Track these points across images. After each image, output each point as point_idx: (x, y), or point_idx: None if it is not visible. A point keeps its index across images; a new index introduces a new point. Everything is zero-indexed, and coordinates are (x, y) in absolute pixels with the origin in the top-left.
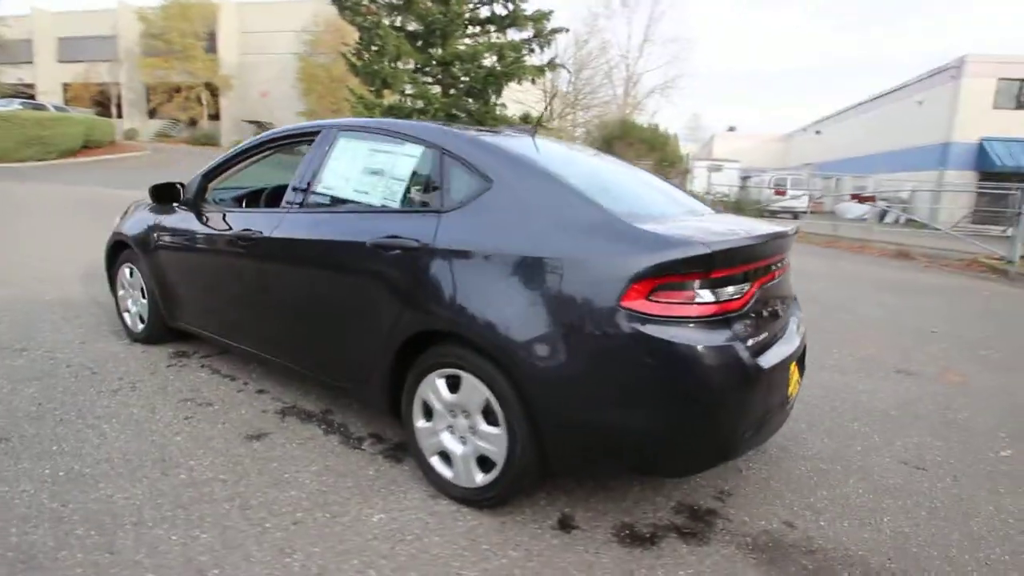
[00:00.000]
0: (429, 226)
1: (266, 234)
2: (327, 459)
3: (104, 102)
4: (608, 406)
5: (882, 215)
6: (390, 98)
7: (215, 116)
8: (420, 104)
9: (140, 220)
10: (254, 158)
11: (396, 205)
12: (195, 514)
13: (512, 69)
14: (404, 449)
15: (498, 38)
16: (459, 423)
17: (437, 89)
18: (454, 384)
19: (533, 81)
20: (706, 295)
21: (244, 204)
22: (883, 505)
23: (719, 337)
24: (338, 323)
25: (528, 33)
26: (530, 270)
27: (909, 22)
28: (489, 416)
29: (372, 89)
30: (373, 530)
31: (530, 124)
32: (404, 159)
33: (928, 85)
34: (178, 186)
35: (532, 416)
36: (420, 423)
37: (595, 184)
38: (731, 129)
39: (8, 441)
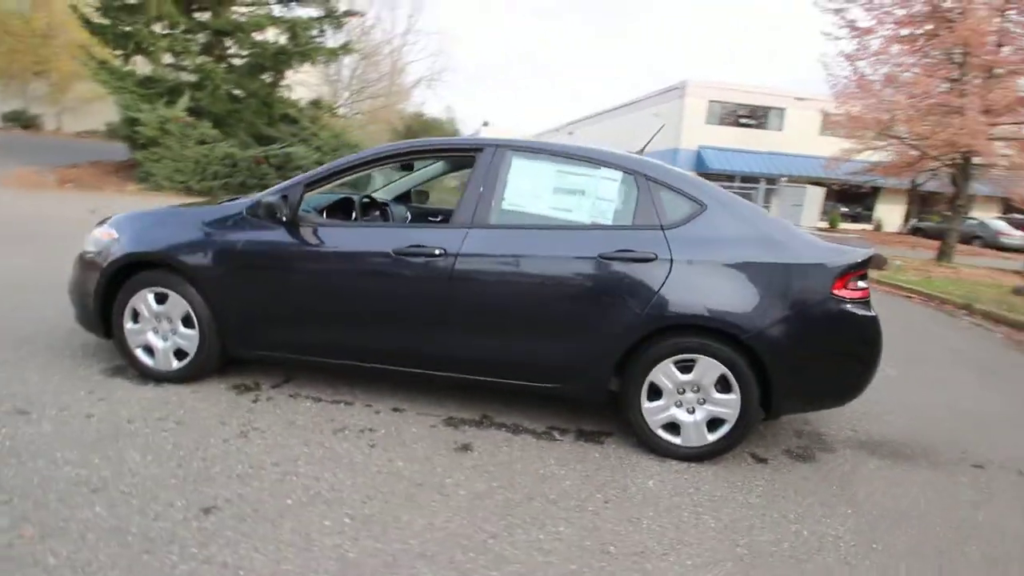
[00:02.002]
0: (658, 240)
1: (453, 250)
2: (551, 454)
3: None
4: (822, 362)
5: None
6: (147, 68)
7: None
8: (194, 78)
9: (191, 234)
10: (369, 169)
11: (608, 222)
12: (524, 517)
13: (306, 49)
14: (591, 433)
15: (282, 13)
16: (687, 397)
17: (218, 63)
18: (685, 367)
19: (327, 63)
20: (863, 284)
21: (325, 216)
22: (880, 410)
23: (871, 310)
24: (557, 329)
25: (315, 11)
26: (760, 273)
27: (648, 39)
28: (720, 386)
29: (119, 54)
30: (660, 493)
31: (321, 109)
32: (605, 182)
33: (661, 100)
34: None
35: (766, 381)
36: (646, 404)
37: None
38: (486, 124)
39: (219, 510)
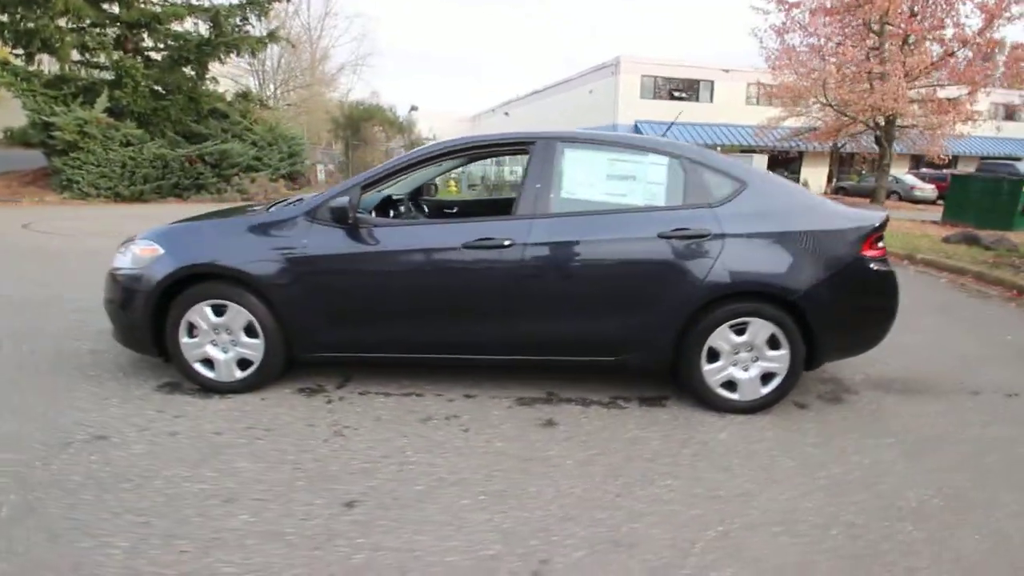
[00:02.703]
0: (708, 218)
1: (521, 240)
2: (626, 420)
3: None
4: (855, 315)
5: None
6: (54, 67)
7: None
8: (110, 76)
9: (250, 243)
10: (423, 167)
11: (662, 203)
12: (634, 475)
13: (233, 39)
14: (651, 399)
15: (201, 1)
16: (742, 357)
17: (134, 58)
18: (739, 329)
19: (254, 54)
20: (881, 244)
21: (375, 215)
22: (877, 354)
23: (889, 267)
24: (623, 305)
25: None
26: (800, 240)
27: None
28: (770, 344)
29: (21, 53)
30: (736, 443)
31: (251, 101)
32: (653, 167)
33: (596, 78)
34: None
35: (810, 336)
36: (706, 366)
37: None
38: (414, 108)
39: (361, 503)
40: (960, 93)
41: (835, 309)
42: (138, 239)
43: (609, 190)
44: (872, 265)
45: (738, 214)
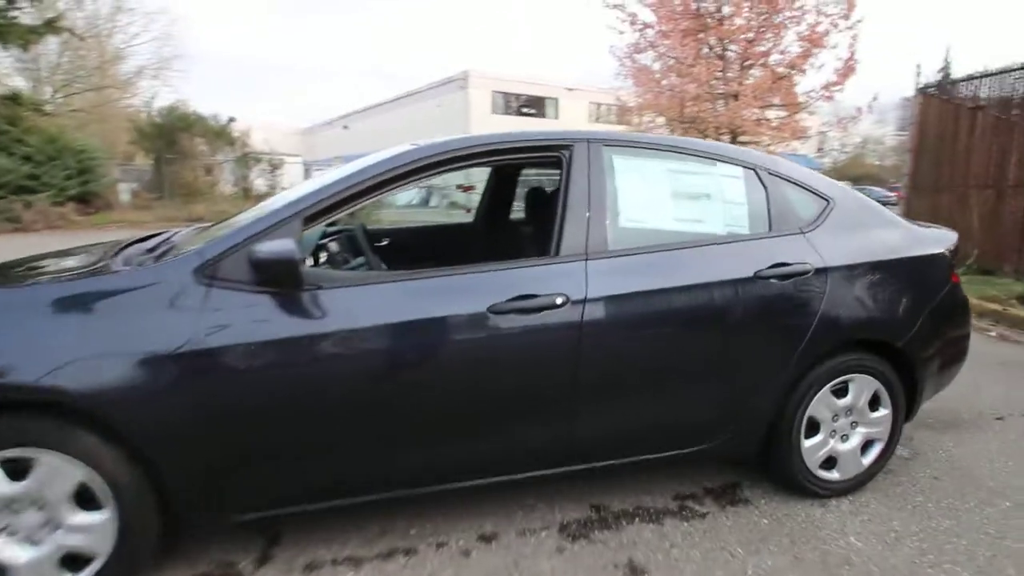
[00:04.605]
0: (803, 247)
1: (577, 296)
2: (726, 541)
3: None
4: (950, 354)
5: (427, 199)
6: None
7: None
8: None
9: (89, 331)
10: (402, 184)
11: (746, 231)
12: None
13: None
14: (721, 492)
15: None
16: (840, 425)
17: None
18: (837, 390)
19: (26, 47)
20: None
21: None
22: None
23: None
24: (720, 373)
25: None
26: (902, 270)
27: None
28: (871, 405)
29: None
30: (885, 557)
31: (22, 106)
32: (728, 180)
33: (443, 92)
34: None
35: (912, 389)
36: (805, 442)
37: None
38: (232, 120)
39: None
40: (785, 114)
41: (936, 351)
42: None
43: (679, 214)
44: (957, 291)
45: (830, 240)
